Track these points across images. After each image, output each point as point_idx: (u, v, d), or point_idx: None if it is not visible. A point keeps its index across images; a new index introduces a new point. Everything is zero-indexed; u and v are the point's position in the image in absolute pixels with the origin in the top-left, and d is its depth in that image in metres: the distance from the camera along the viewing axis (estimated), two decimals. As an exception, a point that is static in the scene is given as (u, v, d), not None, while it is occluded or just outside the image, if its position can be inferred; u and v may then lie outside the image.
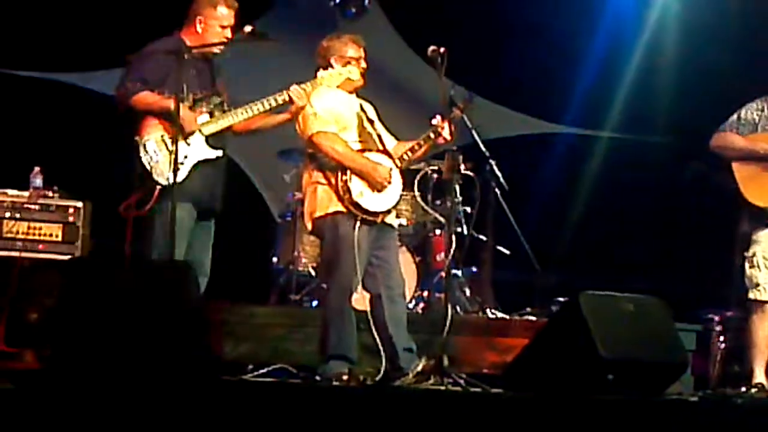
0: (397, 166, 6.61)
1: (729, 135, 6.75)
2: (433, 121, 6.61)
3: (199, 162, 6.48)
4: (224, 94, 6.63)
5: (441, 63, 6.45)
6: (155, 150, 6.39)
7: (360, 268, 6.42)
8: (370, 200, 6.49)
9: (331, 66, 6.64)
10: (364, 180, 6.48)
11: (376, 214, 6.52)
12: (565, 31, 10.17)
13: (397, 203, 6.66)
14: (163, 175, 6.35)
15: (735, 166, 6.71)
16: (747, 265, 6.73)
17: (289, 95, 6.51)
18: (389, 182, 6.53)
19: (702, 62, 10.04)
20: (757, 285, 6.69)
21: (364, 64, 6.68)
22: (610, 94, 10.70)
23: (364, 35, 6.81)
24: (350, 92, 6.69)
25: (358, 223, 6.45)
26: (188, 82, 6.46)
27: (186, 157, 6.41)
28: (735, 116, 6.79)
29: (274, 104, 6.54)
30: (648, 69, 10.58)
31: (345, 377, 6.27)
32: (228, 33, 6.61)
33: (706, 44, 10.01)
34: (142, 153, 6.39)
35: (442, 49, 6.45)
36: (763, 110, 6.76)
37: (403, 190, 6.70)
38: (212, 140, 6.52)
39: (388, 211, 6.60)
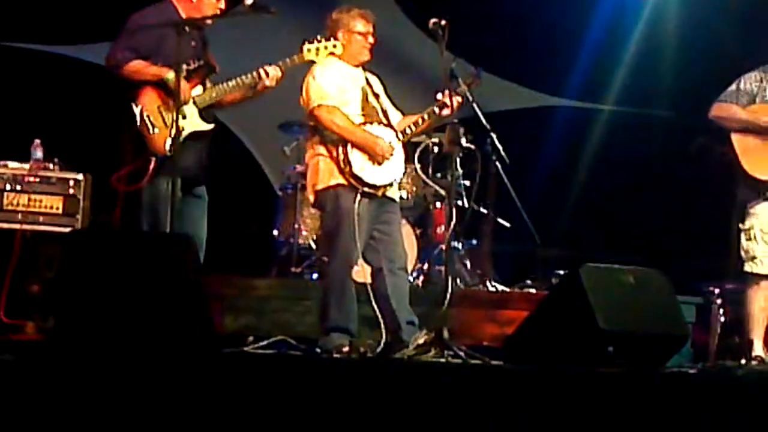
0: (399, 139, 6.61)
1: (729, 106, 6.73)
2: (438, 96, 6.60)
3: (191, 134, 6.42)
4: (215, 65, 6.59)
5: (442, 36, 6.43)
6: (151, 121, 6.37)
7: (360, 241, 6.43)
8: (370, 173, 6.49)
9: (337, 39, 6.63)
10: (365, 153, 6.49)
11: (376, 187, 6.52)
12: (567, 3, 10.14)
13: (400, 177, 6.67)
14: (158, 148, 6.33)
15: (735, 137, 6.70)
16: (743, 237, 6.73)
17: (262, 71, 6.47)
18: (390, 155, 6.54)
19: (705, 34, 10.01)
20: (754, 258, 6.69)
21: (371, 39, 6.67)
22: (612, 68, 10.67)
23: (363, 7, 6.79)
24: (356, 66, 6.68)
25: (358, 196, 6.46)
26: (180, 52, 6.39)
27: (181, 130, 6.39)
28: (734, 86, 6.77)
29: (260, 78, 6.50)
30: (650, 42, 10.55)
31: (345, 349, 6.28)
32: (222, 5, 6.57)
33: (709, 16, 9.98)
34: (138, 122, 6.36)
35: (443, 22, 6.44)
36: (761, 81, 6.74)
37: (405, 164, 6.70)
38: (204, 113, 6.49)
39: (390, 185, 6.60)
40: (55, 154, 7.35)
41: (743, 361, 6.56)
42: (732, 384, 5.59)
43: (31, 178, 7.22)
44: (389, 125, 6.63)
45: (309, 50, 6.57)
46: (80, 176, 7.30)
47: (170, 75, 6.32)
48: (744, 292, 6.80)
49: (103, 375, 4.63)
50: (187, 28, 6.40)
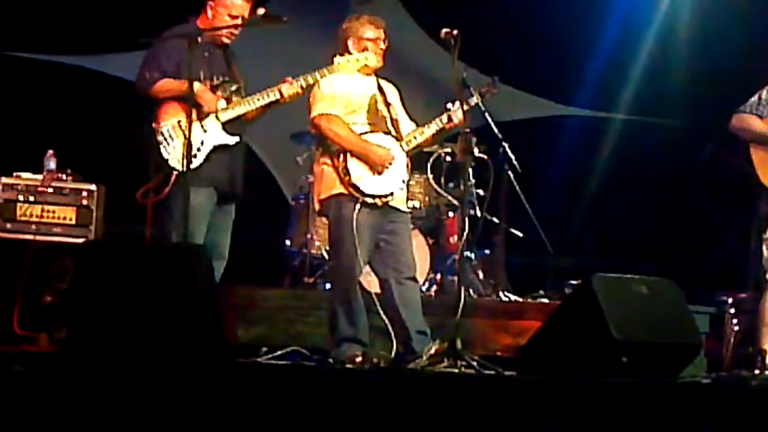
0: (403, 149, 6.61)
1: (749, 117, 6.70)
2: (448, 105, 6.61)
3: (216, 147, 6.47)
4: (240, 81, 6.63)
5: (454, 45, 6.43)
6: (171, 136, 6.39)
7: (362, 250, 6.42)
8: (369, 183, 6.49)
9: (347, 48, 6.64)
10: (364, 162, 6.49)
11: (375, 196, 6.51)
12: (578, 12, 10.14)
13: (402, 187, 6.62)
14: (178, 160, 6.36)
15: (752, 148, 6.69)
16: (765, 247, 6.71)
17: (283, 90, 6.52)
18: (389, 165, 6.52)
19: (716, 43, 10.00)
20: None
21: (383, 45, 6.67)
22: (624, 76, 10.67)
23: (376, 15, 6.80)
24: (368, 74, 6.69)
25: (358, 206, 6.46)
26: (202, 67, 6.47)
27: (203, 143, 6.42)
28: (756, 97, 6.74)
29: (287, 93, 6.54)
30: (662, 50, 10.55)
31: (358, 359, 6.28)
32: (238, 23, 6.57)
33: (720, 25, 9.97)
34: (159, 139, 6.40)
35: (455, 32, 6.44)
36: None
37: (412, 173, 6.69)
38: (229, 127, 6.52)
39: (390, 194, 6.57)
40: (68, 164, 7.36)
41: (757, 371, 6.54)
42: (746, 394, 5.58)
43: (45, 189, 7.24)
44: (396, 135, 6.63)
45: (340, 63, 6.59)
46: (93, 187, 7.31)
47: (197, 86, 6.36)
48: (759, 301, 6.78)
49: (115, 386, 4.63)
50: (199, 41, 6.42)
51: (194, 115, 6.31)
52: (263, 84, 6.60)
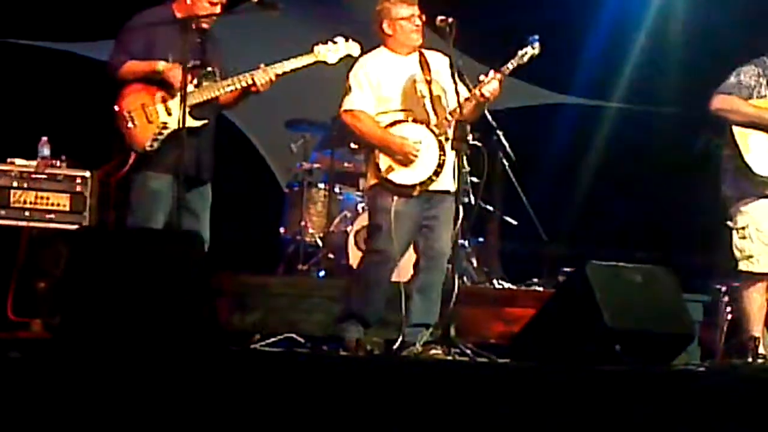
0: (434, 133, 6.50)
1: (734, 99, 6.67)
2: (481, 77, 6.53)
3: (177, 130, 6.38)
4: (215, 65, 6.55)
5: (450, 33, 6.42)
6: (132, 117, 6.39)
7: (398, 240, 6.40)
8: (399, 174, 6.45)
9: (382, 30, 6.57)
10: (392, 156, 6.47)
11: (408, 187, 6.46)
12: (573, 0, 10.13)
13: (438, 171, 6.48)
14: (138, 143, 6.36)
15: (736, 130, 6.65)
16: (735, 236, 6.68)
17: (256, 78, 6.47)
18: (415, 155, 6.43)
19: (710, 31, 10.00)
20: (750, 257, 6.64)
21: (418, 22, 6.53)
22: (618, 65, 10.67)
23: (371, 3, 6.77)
24: (408, 53, 6.58)
25: (395, 197, 6.44)
26: (174, 49, 6.41)
27: (166, 125, 6.40)
28: (734, 79, 6.69)
29: (259, 81, 6.48)
30: (656, 38, 10.54)
31: (352, 345, 6.27)
32: (217, 9, 6.52)
33: (714, 13, 9.97)
34: (119, 121, 6.40)
35: (450, 20, 6.42)
36: (759, 75, 6.70)
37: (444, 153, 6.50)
38: (196, 110, 6.45)
39: (425, 182, 6.48)
40: (62, 151, 7.35)
41: (750, 359, 6.55)
42: (739, 382, 5.59)
43: (38, 176, 7.22)
44: (435, 114, 6.49)
45: (320, 52, 6.56)
46: (87, 173, 7.29)
47: (160, 65, 6.36)
48: (739, 290, 6.76)
49: (109, 372, 4.63)
50: (174, 26, 6.41)
51: (159, 97, 6.34)
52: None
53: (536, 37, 6.76)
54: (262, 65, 6.50)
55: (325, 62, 6.61)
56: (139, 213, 6.39)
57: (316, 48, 6.58)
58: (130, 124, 6.38)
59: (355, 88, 6.51)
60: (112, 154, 6.50)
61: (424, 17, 6.56)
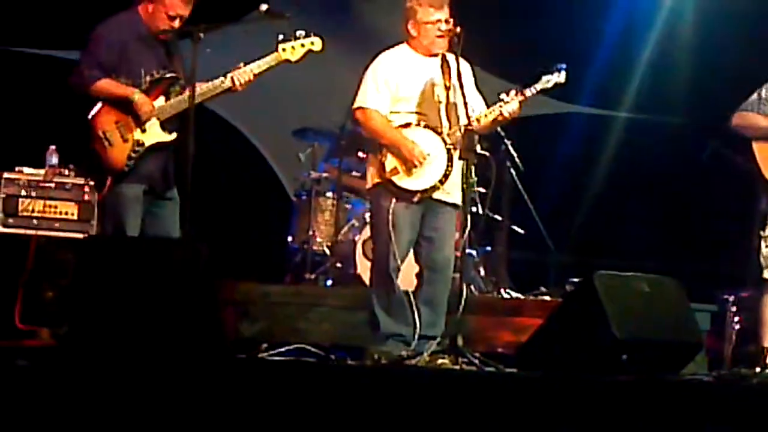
0: (445, 143, 6.48)
1: (751, 115, 6.72)
2: (502, 96, 6.54)
3: (151, 146, 6.40)
4: (180, 73, 6.51)
5: (458, 43, 6.42)
6: (107, 137, 6.35)
7: (398, 245, 6.41)
8: (404, 178, 6.46)
9: (407, 30, 6.54)
10: (398, 158, 6.46)
11: (410, 192, 6.47)
12: (581, 9, 10.13)
13: (443, 180, 6.48)
14: (115, 164, 6.34)
15: (756, 145, 6.70)
16: (763, 244, 6.73)
17: (235, 79, 6.42)
18: (422, 161, 6.42)
19: (719, 41, 9.99)
20: None
21: (443, 27, 6.46)
22: (626, 74, 10.66)
23: (380, 13, 6.77)
24: (432, 55, 6.53)
25: (394, 199, 6.44)
26: (142, 61, 6.40)
27: (141, 143, 6.37)
28: (755, 96, 6.76)
29: (238, 81, 6.43)
30: (664, 48, 10.53)
31: (402, 357, 6.25)
32: (176, 24, 6.44)
33: (723, 23, 9.96)
34: (95, 141, 6.36)
35: (457, 29, 6.42)
36: None
37: (452, 165, 6.48)
38: (167, 123, 6.43)
39: (427, 190, 6.48)
40: (70, 160, 7.36)
41: (758, 369, 6.54)
42: (747, 392, 5.58)
43: (46, 184, 7.25)
44: (448, 122, 6.44)
45: (284, 49, 6.51)
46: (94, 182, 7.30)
47: (135, 96, 6.33)
48: (760, 299, 6.78)
49: (116, 381, 4.63)
50: (142, 34, 6.39)
51: (131, 122, 6.33)
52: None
53: (564, 65, 6.78)
54: (240, 65, 6.43)
55: (288, 61, 6.52)
56: (117, 220, 6.37)
57: (280, 45, 6.51)
58: (106, 144, 6.34)
59: (371, 86, 6.50)
60: (87, 170, 6.50)
61: (452, 22, 6.47)
